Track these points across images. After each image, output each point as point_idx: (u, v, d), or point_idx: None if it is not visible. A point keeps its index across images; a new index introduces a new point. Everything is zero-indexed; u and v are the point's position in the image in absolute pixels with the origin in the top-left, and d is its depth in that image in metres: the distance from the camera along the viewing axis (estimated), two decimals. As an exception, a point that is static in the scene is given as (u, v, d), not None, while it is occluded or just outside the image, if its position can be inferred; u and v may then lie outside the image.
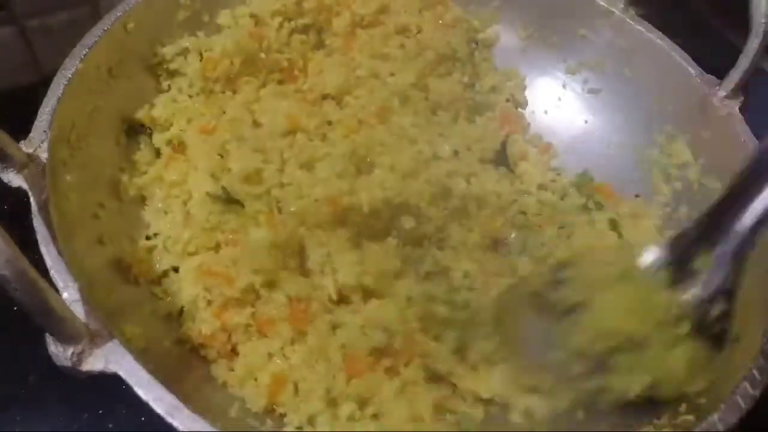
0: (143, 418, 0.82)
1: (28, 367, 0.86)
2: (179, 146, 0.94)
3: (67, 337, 0.58)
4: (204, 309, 0.80)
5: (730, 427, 0.68)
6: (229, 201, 0.86)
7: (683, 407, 0.75)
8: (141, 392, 0.59)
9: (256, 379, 0.78)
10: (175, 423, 0.58)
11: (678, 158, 1.02)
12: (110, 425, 0.84)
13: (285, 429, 0.76)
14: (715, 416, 0.69)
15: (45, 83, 0.79)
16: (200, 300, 0.81)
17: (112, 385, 0.60)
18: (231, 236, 0.85)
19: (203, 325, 0.80)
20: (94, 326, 0.61)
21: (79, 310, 0.61)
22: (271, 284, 0.83)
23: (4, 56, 1.18)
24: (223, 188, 0.86)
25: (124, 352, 0.60)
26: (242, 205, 0.86)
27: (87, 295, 0.63)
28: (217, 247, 0.85)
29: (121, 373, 0.59)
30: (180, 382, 0.70)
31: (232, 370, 0.79)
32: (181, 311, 0.82)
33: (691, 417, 0.73)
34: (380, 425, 0.77)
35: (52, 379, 0.84)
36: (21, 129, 0.74)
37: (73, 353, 0.58)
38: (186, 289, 0.82)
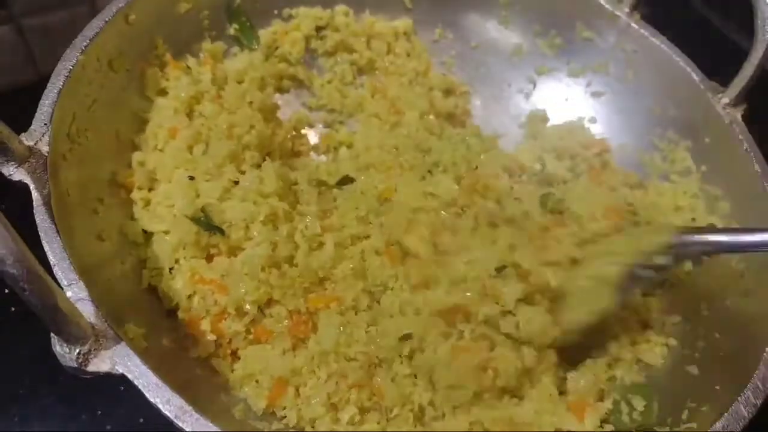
0: (141, 419, 0.81)
1: (26, 367, 0.84)
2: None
3: (73, 337, 0.56)
4: (202, 318, 0.79)
5: (733, 435, 0.68)
6: (210, 227, 0.83)
7: (685, 415, 0.76)
8: (149, 395, 0.58)
9: (257, 381, 0.77)
10: (184, 425, 0.57)
11: (679, 164, 1.02)
12: (108, 426, 0.83)
13: (287, 430, 0.75)
14: (718, 425, 0.69)
15: (42, 82, 0.77)
16: (196, 309, 0.79)
17: (110, 386, 0.60)
18: (222, 248, 0.83)
19: (203, 336, 0.78)
20: (100, 326, 0.59)
21: (84, 309, 0.60)
22: (268, 301, 0.81)
23: (2, 55, 1.16)
24: (203, 211, 0.83)
25: (131, 353, 0.59)
26: (222, 232, 0.83)
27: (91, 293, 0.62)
28: (209, 256, 0.83)
29: (129, 376, 0.58)
30: (182, 382, 0.69)
31: (233, 371, 0.78)
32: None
33: (693, 425, 0.74)
34: (382, 428, 0.76)
35: (51, 380, 0.83)
36: (18, 128, 0.72)
37: (79, 354, 0.57)
38: (181, 297, 0.80)
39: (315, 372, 0.77)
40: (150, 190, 0.86)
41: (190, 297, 0.79)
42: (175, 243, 0.81)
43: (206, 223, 0.82)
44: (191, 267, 0.81)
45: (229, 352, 0.79)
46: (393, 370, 0.79)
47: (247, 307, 0.79)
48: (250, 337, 0.79)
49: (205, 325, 0.78)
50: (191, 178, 0.85)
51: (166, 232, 0.82)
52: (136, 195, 0.85)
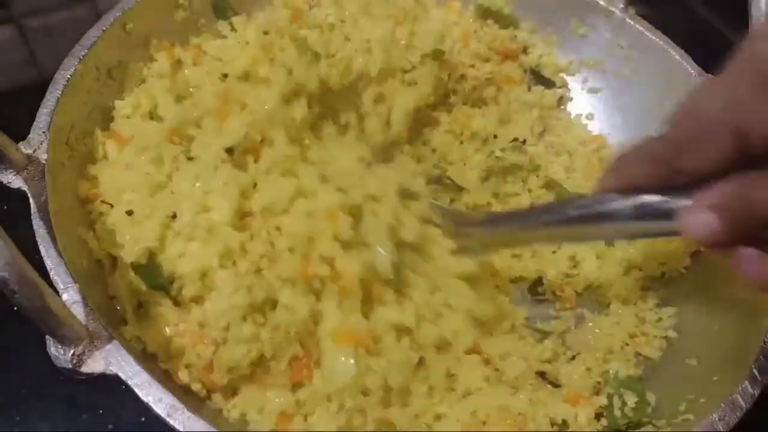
0: (143, 419, 0.82)
1: (27, 367, 0.86)
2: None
3: (67, 339, 0.58)
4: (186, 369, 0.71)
5: (730, 426, 0.68)
6: (153, 284, 0.72)
7: (683, 406, 0.75)
8: (141, 393, 0.59)
9: (260, 412, 0.72)
10: (175, 424, 0.58)
11: (678, 158, 1.01)
12: (110, 426, 0.83)
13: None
14: (715, 415, 0.69)
15: (44, 83, 0.79)
16: (176, 360, 0.71)
17: (112, 385, 0.61)
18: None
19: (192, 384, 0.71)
20: (93, 328, 0.61)
21: (79, 312, 0.61)
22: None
23: (3, 56, 1.17)
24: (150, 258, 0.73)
25: (124, 353, 0.60)
26: (166, 290, 0.73)
27: (86, 297, 0.63)
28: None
29: (122, 375, 0.59)
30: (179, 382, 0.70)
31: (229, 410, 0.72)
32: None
33: (690, 416, 0.73)
34: None
35: (52, 380, 0.83)
36: (19, 129, 0.74)
37: (73, 355, 0.58)
38: (156, 346, 0.71)
39: (323, 405, 0.72)
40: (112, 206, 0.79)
41: (166, 346, 0.71)
42: (130, 286, 0.73)
43: (150, 276, 0.72)
44: (161, 314, 0.72)
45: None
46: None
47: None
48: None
49: (187, 378, 0.70)
50: (129, 213, 0.75)
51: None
52: (97, 209, 0.78)
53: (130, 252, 0.73)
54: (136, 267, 0.72)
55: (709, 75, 0.99)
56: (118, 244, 0.74)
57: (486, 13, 1.13)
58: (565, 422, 0.78)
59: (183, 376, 0.69)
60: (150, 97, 0.88)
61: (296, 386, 0.74)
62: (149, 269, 0.72)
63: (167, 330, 0.71)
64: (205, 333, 0.71)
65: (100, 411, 0.84)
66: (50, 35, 1.19)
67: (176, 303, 0.74)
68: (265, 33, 0.99)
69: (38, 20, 1.17)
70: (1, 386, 0.86)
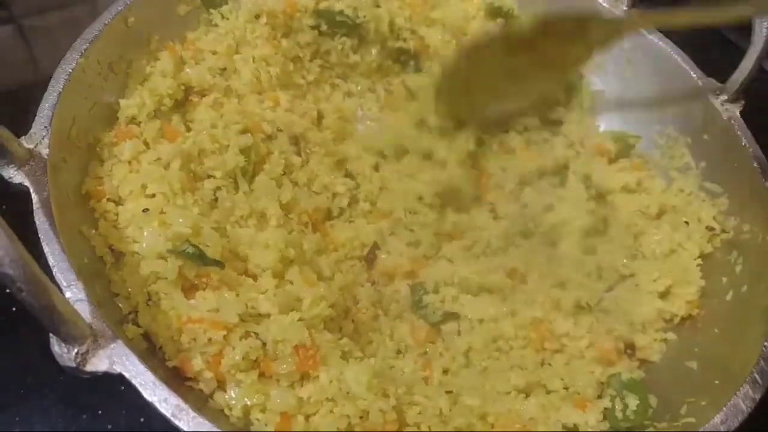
0: (142, 419, 0.82)
1: (27, 368, 0.85)
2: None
3: (71, 337, 0.57)
4: (197, 359, 0.70)
5: (732, 429, 0.68)
6: (205, 262, 0.75)
7: (684, 410, 0.76)
8: (146, 393, 0.59)
9: (258, 420, 0.71)
10: (180, 424, 0.58)
11: (679, 161, 1.02)
12: (109, 426, 0.83)
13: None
14: (717, 419, 0.69)
15: (43, 82, 0.78)
16: (192, 352, 0.71)
17: (111, 386, 0.60)
18: (205, 279, 0.75)
19: (202, 380, 0.71)
20: (98, 326, 0.60)
21: (83, 310, 0.61)
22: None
23: (3, 55, 1.17)
24: (195, 246, 0.75)
25: (129, 352, 0.60)
26: (222, 265, 0.76)
27: (89, 295, 0.63)
28: (191, 289, 0.75)
29: (126, 375, 0.59)
30: (182, 381, 0.70)
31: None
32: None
33: (692, 419, 0.74)
34: None
35: (52, 380, 0.83)
36: (18, 128, 0.72)
37: (77, 354, 0.57)
38: (164, 340, 0.72)
39: (326, 405, 0.72)
40: (118, 204, 0.80)
41: (176, 337, 0.71)
42: (148, 274, 0.73)
43: (198, 257, 0.74)
44: (172, 306, 0.72)
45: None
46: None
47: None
48: (255, 372, 0.73)
49: (200, 365, 0.70)
50: (145, 210, 0.77)
51: (139, 255, 0.75)
52: (102, 207, 0.79)
53: (156, 243, 0.73)
54: (179, 253, 0.73)
55: (710, 78, 0.99)
56: (128, 239, 0.75)
57: (496, 13, 1.14)
58: (576, 426, 0.78)
59: (195, 364, 0.69)
60: (155, 96, 0.88)
61: (304, 378, 0.74)
62: (195, 252, 0.74)
63: (181, 318, 0.71)
64: (218, 318, 0.71)
65: (100, 411, 0.84)
66: (49, 34, 1.18)
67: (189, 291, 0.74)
68: (257, 17, 1.00)
69: (38, 20, 1.17)
70: (1, 386, 0.85)
